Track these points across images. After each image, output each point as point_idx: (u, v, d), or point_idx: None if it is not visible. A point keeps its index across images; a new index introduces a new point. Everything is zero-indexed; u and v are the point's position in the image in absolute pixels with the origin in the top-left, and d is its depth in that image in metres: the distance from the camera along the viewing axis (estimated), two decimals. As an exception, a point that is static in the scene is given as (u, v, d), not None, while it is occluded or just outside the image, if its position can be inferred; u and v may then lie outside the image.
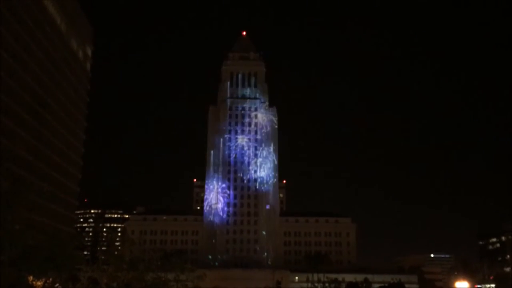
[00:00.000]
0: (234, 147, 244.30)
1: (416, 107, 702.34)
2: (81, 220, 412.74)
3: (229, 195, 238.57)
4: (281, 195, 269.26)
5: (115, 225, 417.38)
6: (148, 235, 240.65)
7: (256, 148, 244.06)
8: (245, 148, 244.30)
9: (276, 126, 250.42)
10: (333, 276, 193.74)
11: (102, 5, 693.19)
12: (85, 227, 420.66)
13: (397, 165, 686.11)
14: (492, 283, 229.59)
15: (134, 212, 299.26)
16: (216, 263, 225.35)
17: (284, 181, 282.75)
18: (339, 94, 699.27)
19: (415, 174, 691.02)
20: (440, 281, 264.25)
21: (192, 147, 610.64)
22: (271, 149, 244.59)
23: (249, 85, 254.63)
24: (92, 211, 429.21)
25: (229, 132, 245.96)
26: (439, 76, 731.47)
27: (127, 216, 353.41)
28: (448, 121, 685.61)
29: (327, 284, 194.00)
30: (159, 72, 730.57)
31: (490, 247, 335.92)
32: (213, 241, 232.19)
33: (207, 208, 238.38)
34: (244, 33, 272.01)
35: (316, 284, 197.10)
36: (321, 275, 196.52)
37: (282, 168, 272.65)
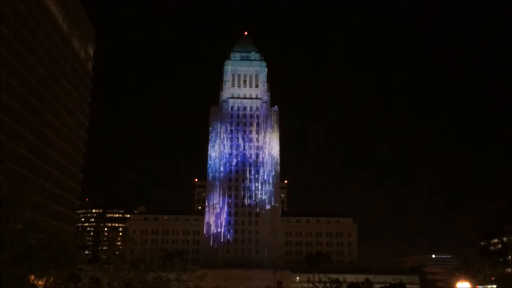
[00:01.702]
0: (235, 146, 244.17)
1: (418, 106, 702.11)
2: (83, 219, 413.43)
3: (230, 194, 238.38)
4: (282, 195, 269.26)
5: (116, 224, 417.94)
6: (149, 234, 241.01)
7: (257, 148, 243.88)
8: (247, 148, 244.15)
9: (278, 126, 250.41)
10: (334, 276, 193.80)
11: (104, 5, 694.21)
12: (87, 226, 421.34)
13: (398, 166, 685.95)
14: (493, 283, 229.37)
15: (136, 211, 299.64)
16: (217, 263, 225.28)
17: (286, 181, 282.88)
18: (341, 94, 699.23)
19: (416, 175, 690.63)
20: (441, 281, 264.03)
21: (193, 147, 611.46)
22: (273, 148, 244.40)
23: (251, 85, 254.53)
24: (94, 210, 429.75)
25: (231, 131, 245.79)
26: (442, 75, 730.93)
27: (128, 215, 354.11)
28: (449, 121, 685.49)
29: (328, 285, 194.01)
30: (160, 71, 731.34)
31: (492, 247, 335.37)
32: (214, 240, 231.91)
33: (208, 208, 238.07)
34: (246, 33, 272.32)
35: (317, 285, 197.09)
36: (322, 276, 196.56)
37: (284, 168, 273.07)
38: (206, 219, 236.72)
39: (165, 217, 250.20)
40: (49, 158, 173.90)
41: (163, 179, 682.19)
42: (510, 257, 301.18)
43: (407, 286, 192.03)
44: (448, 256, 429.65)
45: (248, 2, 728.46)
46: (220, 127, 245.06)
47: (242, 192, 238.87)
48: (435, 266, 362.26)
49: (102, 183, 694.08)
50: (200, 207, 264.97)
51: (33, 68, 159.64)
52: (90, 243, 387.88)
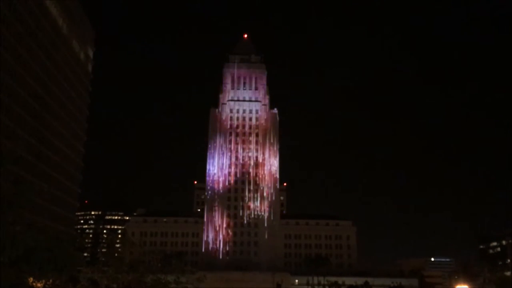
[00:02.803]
0: (235, 149, 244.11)
1: (417, 111, 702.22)
2: (82, 221, 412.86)
3: (229, 197, 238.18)
4: (281, 197, 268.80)
5: (115, 226, 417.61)
6: (148, 236, 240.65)
7: (256, 150, 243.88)
8: (246, 150, 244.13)
9: (277, 129, 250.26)
10: (333, 279, 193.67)
11: (104, 7, 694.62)
12: (86, 228, 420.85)
13: (397, 169, 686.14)
14: (492, 287, 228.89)
15: (135, 213, 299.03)
16: (217, 266, 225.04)
17: (285, 184, 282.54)
18: (340, 97, 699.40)
19: (416, 178, 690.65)
20: (440, 284, 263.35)
21: (193, 149, 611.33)
22: (272, 151, 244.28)
23: (250, 88, 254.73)
24: (93, 212, 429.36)
25: (230, 134, 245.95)
26: (441, 80, 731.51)
27: (127, 217, 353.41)
28: (448, 124, 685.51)
29: (327, 287, 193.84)
30: (160, 74, 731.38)
31: (491, 251, 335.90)
32: (214, 243, 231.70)
33: (208, 210, 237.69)
34: (246, 35, 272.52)
35: (316, 287, 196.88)
36: (321, 278, 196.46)
37: (283, 171, 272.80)
38: (206, 221, 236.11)
39: (164, 219, 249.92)
40: (48, 160, 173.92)
41: (163, 181, 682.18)
42: (509, 260, 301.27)
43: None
44: (447, 259, 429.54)
45: (248, 4, 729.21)
46: (220, 129, 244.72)
47: (241, 194, 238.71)
48: (434, 269, 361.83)
49: (101, 185, 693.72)
50: (199, 209, 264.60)
51: (32, 70, 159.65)
52: (89, 245, 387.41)
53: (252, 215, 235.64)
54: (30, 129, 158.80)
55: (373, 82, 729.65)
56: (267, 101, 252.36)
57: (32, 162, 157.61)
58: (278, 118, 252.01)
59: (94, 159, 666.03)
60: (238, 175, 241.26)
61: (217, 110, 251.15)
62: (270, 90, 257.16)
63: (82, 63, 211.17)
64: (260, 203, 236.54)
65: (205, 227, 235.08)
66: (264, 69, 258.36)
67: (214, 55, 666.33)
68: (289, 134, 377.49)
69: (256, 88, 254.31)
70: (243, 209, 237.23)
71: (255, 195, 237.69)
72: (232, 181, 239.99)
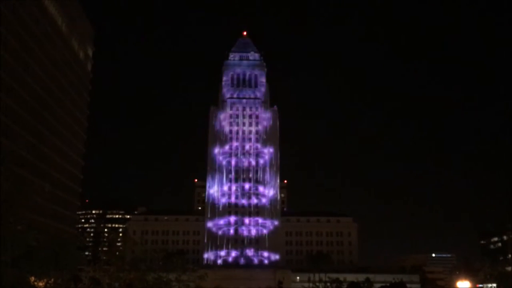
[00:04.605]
0: (235, 146, 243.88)
1: (416, 107, 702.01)
2: (83, 220, 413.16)
3: (230, 195, 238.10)
4: (282, 195, 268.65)
5: (116, 225, 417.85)
6: (149, 235, 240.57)
7: (257, 148, 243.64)
8: (246, 148, 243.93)
9: (277, 126, 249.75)
10: (334, 276, 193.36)
11: (103, 6, 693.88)
12: (87, 227, 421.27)
13: (398, 165, 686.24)
14: (493, 282, 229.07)
15: (136, 212, 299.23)
16: (218, 263, 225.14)
17: (285, 181, 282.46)
18: (341, 94, 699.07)
19: (416, 174, 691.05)
20: (442, 280, 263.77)
21: (193, 147, 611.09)
22: (272, 148, 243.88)
23: (250, 85, 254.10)
24: (94, 211, 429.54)
25: (230, 132, 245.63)
26: (438, 76, 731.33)
27: (128, 216, 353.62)
28: (448, 120, 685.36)
29: (328, 284, 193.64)
30: (160, 72, 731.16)
31: (492, 246, 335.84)
32: (215, 240, 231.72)
33: (209, 208, 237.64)
34: (245, 33, 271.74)
35: (318, 284, 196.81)
36: (322, 275, 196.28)
37: (283, 168, 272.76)
38: (206, 219, 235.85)
39: (165, 218, 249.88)
40: (48, 159, 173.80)
41: (163, 179, 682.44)
42: (510, 255, 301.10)
43: (408, 285, 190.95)
44: (449, 255, 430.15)
45: (248, 2, 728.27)
46: (220, 127, 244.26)
47: (242, 192, 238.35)
48: (436, 265, 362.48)
49: (102, 184, 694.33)
50: (200, 208, 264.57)
51: (32, 69, 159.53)
52: (90, 244, 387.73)
53: (253, 214, 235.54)
54: (30, 128, 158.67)
55: (373, 77, 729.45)
56: (267, 99, 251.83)
57: (32, 161, 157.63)
58: (278, 115, 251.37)
59: (94, 158, 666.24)
60: (238, 175, 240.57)
61: (216, 108, 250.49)
62: (270, 87, 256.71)
63: (81, 62, 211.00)
64: (261, 203, 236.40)
65: (206, 227, 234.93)
66: (263, 66, 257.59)
67: (214, 53, 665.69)
68: (289, 131, 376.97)
69: (255, 86, 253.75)
70: (243, 208, 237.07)
71: (257, 195, 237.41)
72: (233, 183, 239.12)
